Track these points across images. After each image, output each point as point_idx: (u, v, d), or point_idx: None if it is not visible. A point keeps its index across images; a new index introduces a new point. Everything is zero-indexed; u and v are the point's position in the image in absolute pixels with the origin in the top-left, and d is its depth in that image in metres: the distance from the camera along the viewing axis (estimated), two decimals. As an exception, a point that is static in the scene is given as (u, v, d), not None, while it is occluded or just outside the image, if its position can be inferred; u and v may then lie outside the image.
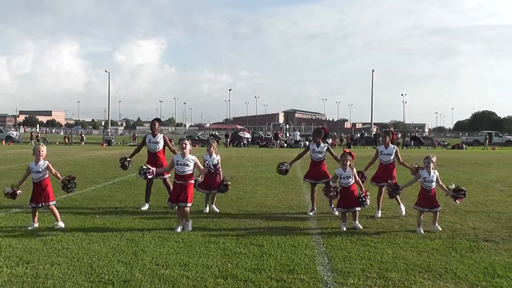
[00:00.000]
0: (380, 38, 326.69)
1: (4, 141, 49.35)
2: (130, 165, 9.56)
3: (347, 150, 8.00)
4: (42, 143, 7.79)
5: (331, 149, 8.91)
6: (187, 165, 7.20)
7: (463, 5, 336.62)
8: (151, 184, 9.24)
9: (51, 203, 7.28)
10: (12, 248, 6.01)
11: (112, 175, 15.29)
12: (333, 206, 8.60)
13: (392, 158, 8.55)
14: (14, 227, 7.24)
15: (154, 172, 8.18)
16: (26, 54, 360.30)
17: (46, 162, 7.34)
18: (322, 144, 8.87)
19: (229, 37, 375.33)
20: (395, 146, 8.73)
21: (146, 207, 9.07)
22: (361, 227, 7.39)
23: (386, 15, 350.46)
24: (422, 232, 7.08)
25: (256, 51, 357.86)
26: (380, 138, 8.90)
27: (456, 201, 7.43)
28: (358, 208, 7.49)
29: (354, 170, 7.70)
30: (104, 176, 15.00)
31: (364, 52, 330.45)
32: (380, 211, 8.48)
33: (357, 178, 7.67)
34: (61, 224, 7.26)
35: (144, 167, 8.15)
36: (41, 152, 7.30)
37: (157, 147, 9.19)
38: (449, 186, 7.41)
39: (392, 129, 9.40)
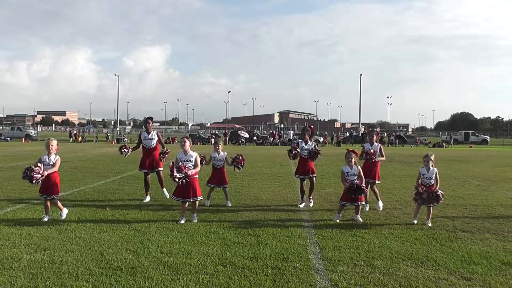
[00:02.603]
0: (366, 46, 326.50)
1: (23, 139, 49.28)
2: (127, 153, 9.48)
3: (350, 149, 7.78)
4: (52, 138, 7.25)
5: (316, 148, 8.74)
6: (189, 161, 7.08)
7: (441, 16, 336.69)
8: (148, 178, 9.27)
9: (55, 196, 7.01)
10: (31, 237, 5.99)
11: (121, 170, 15.25)
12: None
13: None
14: (33, 218, 7.21)
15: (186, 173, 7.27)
16: (44, 59, 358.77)
17: (58, 156, 7.07)
18: (310, 142, 8.75)
19: (228, 44, 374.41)
20: (379, 144, 8.72)
21: (148, 199, 9.08)
22: (361, 221, 7.31)
23: (371, 25, 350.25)
24: (415, 222, 7.03)
25: (253, 56, 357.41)
26: (367, 137, 8.85)
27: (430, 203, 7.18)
28: (361, 203, 7.40)
29: (360, 167, 7.56)
30: (114, 171, 14.95)
31: (352, 58, 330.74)
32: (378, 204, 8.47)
33: (362, 175, 7.50)
34: (65, 211, 7.10)
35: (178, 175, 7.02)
36: (51, 146, 7.00)
37: (152, 143, 9.17)
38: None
39: (377, 129, 9.26)
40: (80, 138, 51.30)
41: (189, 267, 4.82)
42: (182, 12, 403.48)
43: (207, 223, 6.96)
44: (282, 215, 7.78)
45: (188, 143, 7.16)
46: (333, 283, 4.43)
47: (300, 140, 9.01)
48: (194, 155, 7.19)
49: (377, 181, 8.43)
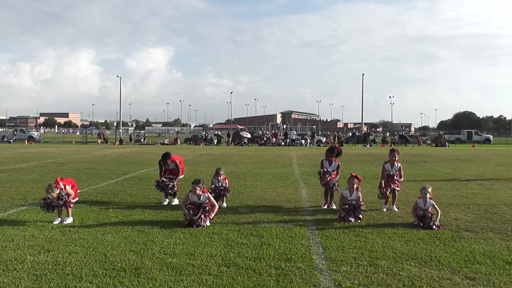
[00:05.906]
0: (369, 45, 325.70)
1: (26, 140, 49.39)
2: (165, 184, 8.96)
3: (354, 174, 7.76)
4: (52, 191, 6.84)
5: (340, 168, 8.78)
6: (203, 204, 7.01)
7: (443, 16, 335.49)
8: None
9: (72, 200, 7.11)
10: (35, 238, 6.01)
11: (124, 172, 15.27)
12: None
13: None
14: (36, 220, 7.23)
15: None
16: (47, 61, 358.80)
17: (64, 192, 6.96)
18: (334, 163, 8.69)
19: (231, 45, 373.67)
20: (400, 164, 8.59)
21: (166, 202, 8.94)
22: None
23: (374, 24, 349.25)
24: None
25: (255, 57, 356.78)
26: (389, 156, 8.61)
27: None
28: (352, 221, 7.18)
29: (360, 193, 7.54)
30: (116, 173, 14.97)
31: (354, 58, 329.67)
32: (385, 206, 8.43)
33: (361, 201, 7.45)
34: (70, 220, 7.04)
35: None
36: (51, 198, 6.85)
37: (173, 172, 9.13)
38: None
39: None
40: (104, 139, 51.23)
41: (192, 268, 4.83)
42: (185, 13, 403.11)
43: (210, 224, 6.96)
44: (285, 216, 7.77)
45: (199, 189, 7.03)
46: (336, 283, 4.43)
47: (324, 160, 8.86)
48: (206, 196, 7.11)
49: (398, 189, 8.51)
